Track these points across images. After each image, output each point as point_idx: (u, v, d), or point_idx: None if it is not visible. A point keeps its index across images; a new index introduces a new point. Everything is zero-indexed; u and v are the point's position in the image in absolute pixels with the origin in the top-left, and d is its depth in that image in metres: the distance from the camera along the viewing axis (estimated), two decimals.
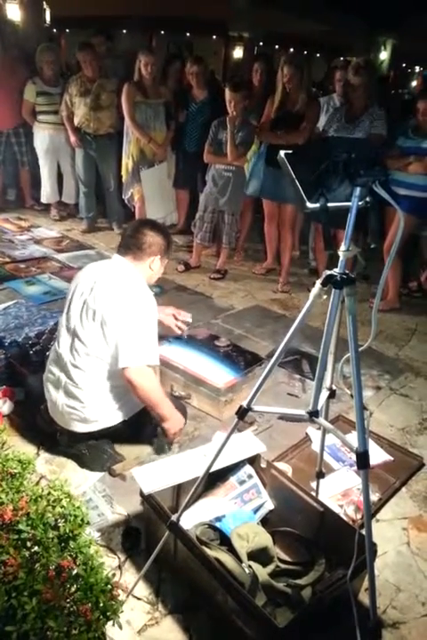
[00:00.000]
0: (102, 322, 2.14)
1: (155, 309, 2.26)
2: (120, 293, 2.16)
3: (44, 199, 5.79)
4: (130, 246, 2.28)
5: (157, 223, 2.50)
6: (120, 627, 1.25)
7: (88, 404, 2.22)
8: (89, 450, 2.28)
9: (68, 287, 2.38)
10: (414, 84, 13.72)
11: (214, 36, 11.70)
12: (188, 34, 11.30)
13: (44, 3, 6.53)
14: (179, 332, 2.71)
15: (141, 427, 2.38)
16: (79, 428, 2.26)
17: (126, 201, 5.03)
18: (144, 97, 4.58)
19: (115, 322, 2.13)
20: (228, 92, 4.08)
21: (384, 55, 11.62)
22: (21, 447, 2.28)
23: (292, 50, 8.94)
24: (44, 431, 2.42)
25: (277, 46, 11.42)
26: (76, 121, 5.08)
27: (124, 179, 4.89)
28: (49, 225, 5.66)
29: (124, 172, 4.85)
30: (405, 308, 4.26)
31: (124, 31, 10.60)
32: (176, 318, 2.68)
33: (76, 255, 4.86)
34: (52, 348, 2.40)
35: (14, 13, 6.03)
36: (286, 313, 4.04)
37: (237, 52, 11.12)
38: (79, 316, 2.21)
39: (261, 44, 11.11)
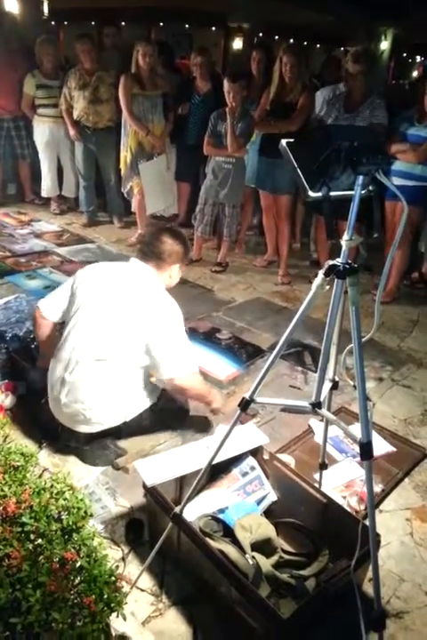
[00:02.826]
0: (133, 329, 2.16)
1: (181, 315, 2.29)
2: (152, 303, 2.20)
3: (44, 193, 5.78)
4: (149, 253, 2.30)
5: (175, 230, 2.52)
6: (124, 618, 1.25)
7: (92, 406, 2.21)
8: (91, 446, 2.28)
9: (72, 285, 2.33)
10: (414, 74, 13.66)
11: (214, 28, 11.61)
12: (187, 25, 11.23)
13: None
14: None
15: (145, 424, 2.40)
16: (82, 428, 2.26)
17: (125, 194, 5.02)
18: (141, 89, 4.54)
19: (152, 332, 2.16)
20: (226, 83, 4.06)
21: (385, 45, 11.52)
22: (24, 441, 2.28)
23: (292, 40, 8.86)
24: (47, 425, 2.42)
25: (276, 37, 11.33)
26: (75, 114, 5.07)
27: (122, 172, 4.87)
28: (49, 219, 5.64)
29: (122, 165, 4.83)
30: (407, 299, 4.25)
31: (123, 23, 10.54)
32: None
33: (76, 249, 4.85)
34: (57, 348, 2.31)
35: (12, 6, 5.99)
36: (287, 305, 4.04)
37: (237, 44, 11.03)
38: (96, 318, 2.19)
39: (260, 34, 11.02)
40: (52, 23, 7.87)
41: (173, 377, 2.20)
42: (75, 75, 4.96)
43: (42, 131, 5.43)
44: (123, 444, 2.33)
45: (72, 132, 5.17)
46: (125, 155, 4.75)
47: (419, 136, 3.76)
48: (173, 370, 2.20)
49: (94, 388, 2.20)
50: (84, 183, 5.45)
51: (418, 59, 15.79)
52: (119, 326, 2.17)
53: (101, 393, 2.21)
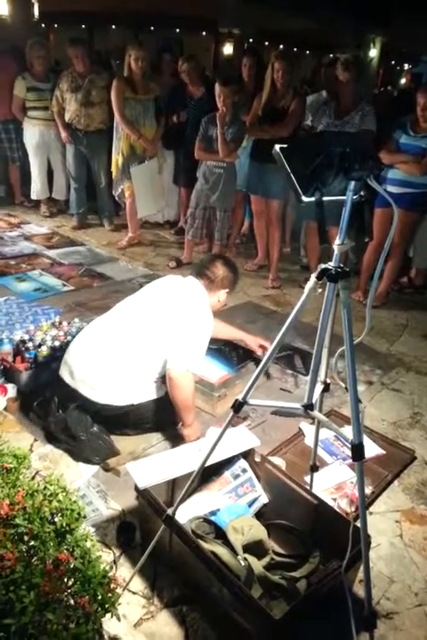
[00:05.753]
0: (170, 321, 2.38)
1: (211, 329, 2.49)
2: (192, 306, 2.45)
3: (34, 195, 5.76)
4: (203, 275, 2.59)
5: (229, 259, 2.80)
6: (118, 618, 1.26)
7: (106, 376, 2.32)
8: (88, 436, 2.28)
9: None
10: (402, 81, 13.82)
11: (204, 33, 11.65)
12: (177, 30, 11.25)
13: None
14: (259, 352, 2.91)
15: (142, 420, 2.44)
16: (87, 392, 2.31)
17: (117, 197, 5.02)
18: (134, 92, 4.56)
19: (180, 326, 2.36)
20: (217, 87, 4.08)
21: (374, 52, 11.66)
22: (15, 443, 2.26)
23: (281, 46, 8.93)
24: (38, 427, 2.42)
25: (266, 43, 11.40)
26: (66, 117, 5.07)
27: (114, 175, 4.87)
28: (39, 221, 5.63)
29: (114, 169, 4.84)
30: (396, 303, 4.30)
31: (114, 27, 10.55)
32: (262, 346, 2.88)
33: (66, 251, 4.85)
34: (95, 320, 2.56)
35: (2, 8, 5.98)
36: (277, 309, 4.06)
37: (227, 49, 11.09)
38: (149, 307, 2.47)
39: (250, 40, 11.08)
40: (42, 26, 7.86)
41: (171, 367, 2.31)
42: (67, 77, 4.97)
43: (32, 133, 5.41)
44: (116, 441, 2.33)
45: (64, 134, 5.16)
46: (117, 158, 4.76)
47: (413, 145, 3.76)
48: (174, 360, 2.31)
49: (117, 362, 2.33)
50: (75, 185, 5.44)
51: (406, 66, 15.98)
52: (156, 314, 2.42)
53: (117, 368, 2.33)
